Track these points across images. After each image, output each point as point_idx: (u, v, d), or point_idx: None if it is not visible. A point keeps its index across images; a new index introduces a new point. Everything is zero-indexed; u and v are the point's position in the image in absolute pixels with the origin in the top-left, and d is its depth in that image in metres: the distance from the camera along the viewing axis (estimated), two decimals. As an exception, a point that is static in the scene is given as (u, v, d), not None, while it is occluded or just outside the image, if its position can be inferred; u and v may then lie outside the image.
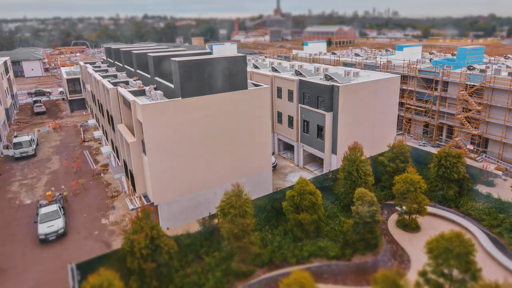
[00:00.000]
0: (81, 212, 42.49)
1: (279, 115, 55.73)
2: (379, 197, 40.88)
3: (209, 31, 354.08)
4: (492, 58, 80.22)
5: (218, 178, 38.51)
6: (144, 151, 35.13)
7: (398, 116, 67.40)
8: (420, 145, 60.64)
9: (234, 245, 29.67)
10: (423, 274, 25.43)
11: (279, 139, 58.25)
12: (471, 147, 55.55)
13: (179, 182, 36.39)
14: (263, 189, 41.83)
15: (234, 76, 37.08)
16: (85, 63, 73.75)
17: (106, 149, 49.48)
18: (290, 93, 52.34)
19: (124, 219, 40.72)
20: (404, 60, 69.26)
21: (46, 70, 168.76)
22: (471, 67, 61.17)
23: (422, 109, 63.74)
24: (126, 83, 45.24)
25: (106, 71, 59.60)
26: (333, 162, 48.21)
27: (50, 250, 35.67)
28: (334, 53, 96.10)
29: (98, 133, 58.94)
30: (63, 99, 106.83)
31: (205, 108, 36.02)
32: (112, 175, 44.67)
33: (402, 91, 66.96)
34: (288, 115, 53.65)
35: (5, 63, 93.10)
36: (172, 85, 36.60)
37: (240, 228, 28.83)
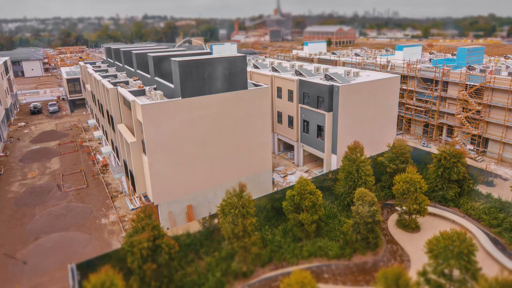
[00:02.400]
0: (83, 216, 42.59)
1: (279, 115, 55.77)
2: (379, 197, 40.87)
3: (209, 31, 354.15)
4: (492, 58, 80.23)
5: (218, 178, 38.57)
6: (144, 151, 35.16)
7: (398, 116, 67.43)
8: (423, 146, 60.63)
9: (235, 245, 29.57)
10: (423, 274, 25.43)
11: (279, 139, 58.27)
12: (471, 147, 55.56)
13: (179, 182, 36.43)
14: (263, 189, 41.83)
15: (234, 76, 37.17)
16: (85, 63, 73.80)
17: (106, 149, 49.53)
18: (290, 93, 52.37)
19: (124, 219, 40.75)
20: (404, 60, 69.27)
21: (46, 70, 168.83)
22: (471, 67, 61.20)
23: (422, 109, 63.78)
24: (126, 83, 45.28)
25: (106, 71, 59.64)
26: (333, 162, 48.19)
27: (49, 250, 35.69)
28: (334, 53, 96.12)
29: (98, 133, 59.00)
30: (63, 99, 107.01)
31: (205, 108, 36.09)
32: (113, 175, 44.66)
33: (402, 91, 66.98)
34: (288, 115, 53.69)
35: (5, 63, 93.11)
36: (172, 85, 36.63)
37: (241, 228, 28.73)
